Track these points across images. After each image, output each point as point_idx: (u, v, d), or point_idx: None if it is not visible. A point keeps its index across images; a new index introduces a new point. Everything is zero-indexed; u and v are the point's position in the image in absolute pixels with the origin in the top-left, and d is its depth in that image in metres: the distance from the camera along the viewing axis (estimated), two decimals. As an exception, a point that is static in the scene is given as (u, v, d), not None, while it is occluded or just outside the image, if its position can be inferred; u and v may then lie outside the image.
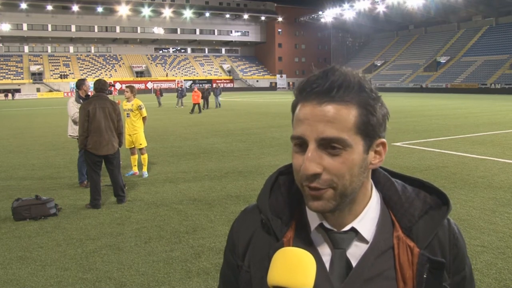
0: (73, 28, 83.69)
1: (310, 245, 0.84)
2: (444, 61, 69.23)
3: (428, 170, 8.34)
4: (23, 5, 76.46)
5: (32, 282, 3.90)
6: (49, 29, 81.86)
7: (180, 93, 33.61)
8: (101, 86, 6.50)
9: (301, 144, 0.79)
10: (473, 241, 4.59)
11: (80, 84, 7.62)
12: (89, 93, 7.64)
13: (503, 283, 3.70)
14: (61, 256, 4.47)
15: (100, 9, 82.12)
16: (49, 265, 4.24)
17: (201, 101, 26.45)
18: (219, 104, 30.93)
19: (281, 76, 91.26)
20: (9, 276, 4.04)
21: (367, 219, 0.84)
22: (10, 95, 66.58)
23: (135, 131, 8.25)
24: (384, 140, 0.83)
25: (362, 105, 0.78)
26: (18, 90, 71.92)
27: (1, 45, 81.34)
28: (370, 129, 0.79)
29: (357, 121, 0.77)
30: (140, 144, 8.28)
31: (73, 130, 7.47)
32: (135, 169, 8.45)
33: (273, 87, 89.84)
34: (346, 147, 0.77)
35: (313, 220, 0.86)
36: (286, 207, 0.88)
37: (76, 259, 4.39)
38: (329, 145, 0.77)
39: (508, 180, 7.34)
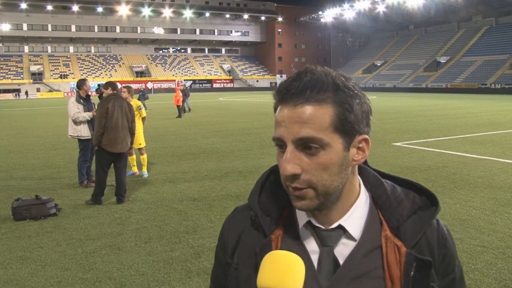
0: (73, 28, 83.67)
1: (298, 243, 0.85)
2: (444, 61, 69.20)
3: (428, 170, 8.33)
4: (23, 5, 76.45)
5: (32, 282, 3.90)
6: (49, 29, 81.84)
7: (142, 95, 27.00)
8: (116, 86, 6.82)
9: (281, 145, 0.81)
10: (473, 241, 4.59)
11: (81, 84, 7.62)
12: (90, 93, 7.66)
13: (503, 283, 3.70)
14: (61, 256, 4.47)
15: (100, 9, 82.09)
16: (49, 265, 4.24)
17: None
18: (189, 109, 25.81)
19: (281, 76, 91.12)
20: (9, 276, 4.04)
21: (354, 217, 0.85)
22: (24, 93, 69.09)
23: (135, 131, 8.25)
24: (366, 136, 0.83)
25: (338, 104, 0.79)
26: (18, 90, 72.20)
27: (1, 45, 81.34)
28: (348, 126, 0.80)
29: (334, 119, 0.78)
30: (140, 144, 8.28)
31: (74, 130, 7.46)
32: (135, 169, 8.45)
33: (273, 87, 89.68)
34: (324, 146, 0.78)
35: (302, 217, 0.87)
36: (275, 205, 0.89)
37: (76, 259, 4.39)
38: (306, 145, 0.78)
39: (508, 180, 7.34)
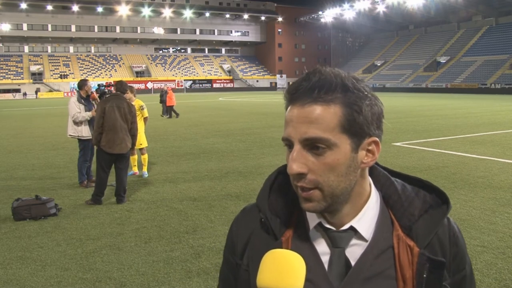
0: (73, 28, 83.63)
1: (308, 244, 0.84)
2: (444, 61, 69.21)
3: (428, 170, 8.34)
4: (23, 5, 76.41)
5: (32, 282, 3.90)
6: (49, 29, 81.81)
7: (102, 96, 22.59)
8: (123, 87, 6.79)
9: (289, 145, 0.81)
10: (473, 241, 4.59)
11: (82, 84, 7.64)
12: (90, 94, 7.67)
13: (503, 283, 3.70)
14: (61, 256, 4.47)
15: (100, 9, 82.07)
16: (49, 265, 4.24)
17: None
18: (166, 114, 23.12)
19: (281, 76, 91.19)
20: (9, 276, 4.04)
21: (366, 218, 0.84)
22: (34, 93, 70.03)
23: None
24: (376, 138, 0.82)
25: (346, 104, 0.78)
26: (18, 90, 72.22)
27: (1, 45, 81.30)
28: (357, 127, 0.79)
29: (341, 120, 0.78)
30: (141, 144, 8.26)
31: (74, 130, 7.47)
32: (135, 169, 8.45)
33: (273, 87, 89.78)
34: (331, 146, 0.78)
35: (312, 219, 0.86)
36: (285, 207, 0.88)
37: (76, 259, 4.39)
38: (313, 145, 0.78)
39: (508, 180, 7.34)
